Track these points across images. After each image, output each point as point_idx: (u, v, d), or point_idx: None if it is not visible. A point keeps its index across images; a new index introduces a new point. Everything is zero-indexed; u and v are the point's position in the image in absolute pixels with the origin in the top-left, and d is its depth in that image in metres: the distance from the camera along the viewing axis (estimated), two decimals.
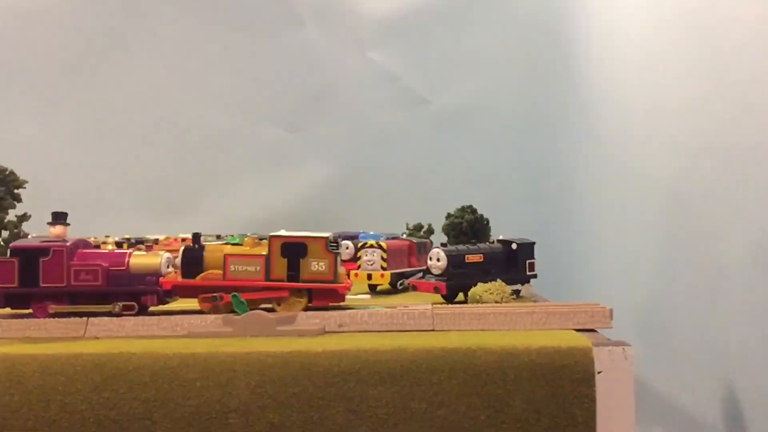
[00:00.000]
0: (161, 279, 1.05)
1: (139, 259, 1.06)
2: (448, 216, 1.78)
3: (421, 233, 2.17)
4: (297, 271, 1.04)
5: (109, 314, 1.01)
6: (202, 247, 1.08)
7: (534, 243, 1.36)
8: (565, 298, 1.37)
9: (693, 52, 1.54)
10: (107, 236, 2.00)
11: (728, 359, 1.35)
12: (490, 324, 0.96)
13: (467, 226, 1.73)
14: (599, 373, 0.84)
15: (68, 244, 1.05)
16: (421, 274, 1.58)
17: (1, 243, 1.85)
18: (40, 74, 2.66)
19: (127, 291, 1.04)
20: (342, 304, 1.08)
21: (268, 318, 0.95)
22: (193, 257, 1.07)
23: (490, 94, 2.73)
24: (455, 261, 1.23)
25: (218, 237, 1.95)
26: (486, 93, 2.74)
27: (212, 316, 0.98)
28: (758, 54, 1.27)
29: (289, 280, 1.04)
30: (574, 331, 0.93)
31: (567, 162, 2.50)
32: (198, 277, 1.05)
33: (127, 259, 1.05)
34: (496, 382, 0.84)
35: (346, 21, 2.77)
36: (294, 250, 1.04)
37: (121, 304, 1.02)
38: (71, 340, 0.94)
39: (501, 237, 1.37)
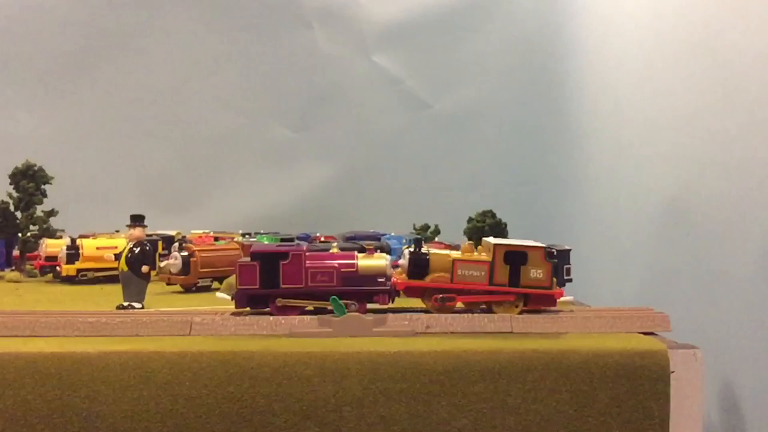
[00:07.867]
0: (393, 281, 1.11)
1: (366, 261, 1.12)
2: (470, 220, 1.87)
3: (428, 233, 2.26)
4: (518, 277, 1.10)
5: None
6: (427, 252, 1.12)
7: (570, 250, 1.46)
8: None
9: (690, 64, 1.58)
10: (116, 231, 2.02)
11: (726, 360, 1.39)
12: (564, 327, 1.06)
13: (489, 230, 1.82)
14: (673, 372, 0.95)
15: (304, 247, 1.10)
16: None
17: (31, 238, 1.87)
18: (46, 69, 2.66)
19: (361, 291, 1.10)
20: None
21: (364, 320, 1.03)
22: (420, 260, 1.11)
23: (489, 99, 2.83)
24: None
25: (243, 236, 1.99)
26: (484, 98, 2.84)
27: (309, 317, 1.05)
28: (758, 65, 1.31)
29: (510, 285, 1.09)
30: (641, 334, 1.03)
31: (563, 166, 2.60)
32: (426, 279, 1.11)
33: (355, 261, 1.12)
34: (583, 380, 0.94)
35: (351, 25, 2.85)
36: (516, 258, 1.10)
37: (356, 303, 1.08)
38: (181, 337, 1.01)
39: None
